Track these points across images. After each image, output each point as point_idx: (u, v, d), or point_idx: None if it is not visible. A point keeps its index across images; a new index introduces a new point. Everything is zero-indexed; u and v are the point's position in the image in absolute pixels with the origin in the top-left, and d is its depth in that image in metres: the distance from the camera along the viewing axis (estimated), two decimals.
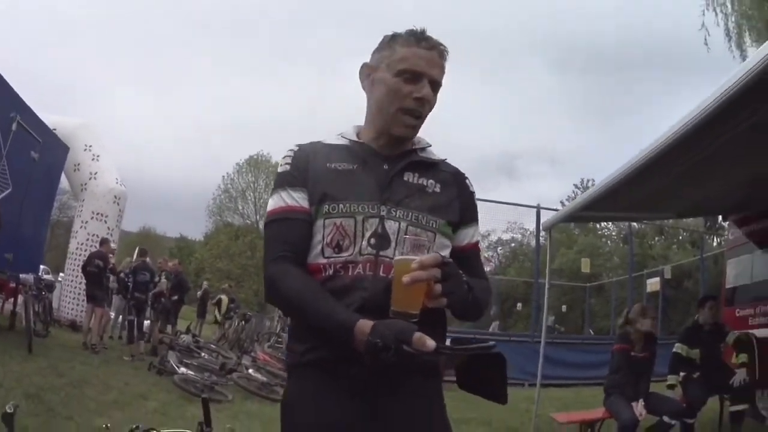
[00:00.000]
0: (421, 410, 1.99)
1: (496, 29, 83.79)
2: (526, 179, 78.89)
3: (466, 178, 2.24)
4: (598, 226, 51.60)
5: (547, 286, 9.11)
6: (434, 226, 2.03)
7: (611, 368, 7.17)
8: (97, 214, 18.11)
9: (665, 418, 6.73)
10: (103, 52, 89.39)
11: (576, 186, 55.80)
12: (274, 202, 2.11)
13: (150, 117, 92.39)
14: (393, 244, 1.96)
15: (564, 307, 36.17)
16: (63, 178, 17.16)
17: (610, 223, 49.16)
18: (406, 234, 1.96)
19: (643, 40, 76.25)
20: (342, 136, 2.18)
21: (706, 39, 14.93)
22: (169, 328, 16.06)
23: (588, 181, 52.92)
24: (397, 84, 2.04)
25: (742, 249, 9.37)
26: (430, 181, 2.11)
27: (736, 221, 9.57)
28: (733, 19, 15.42)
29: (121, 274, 14.78)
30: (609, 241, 51.30)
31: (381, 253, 1.95)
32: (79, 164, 18.00)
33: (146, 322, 14.80)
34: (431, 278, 1.75)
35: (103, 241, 15.23)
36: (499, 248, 55.43)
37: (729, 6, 15.43)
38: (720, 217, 11.11)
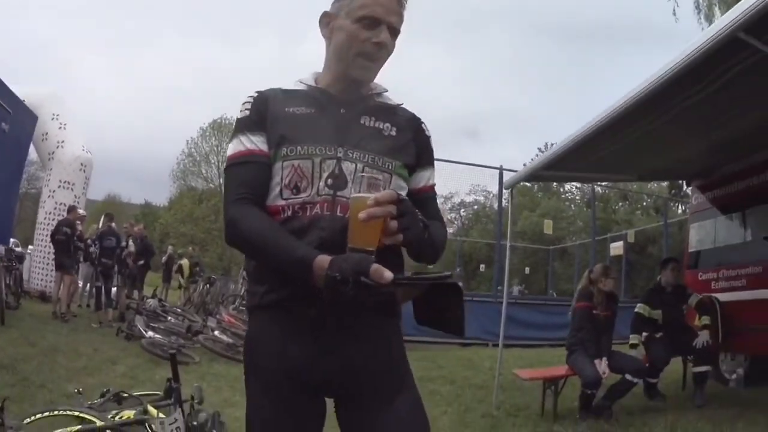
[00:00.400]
0: (380, 348, 2.04)
1: None
2: (491, 143, 79.13)
3: (422, 122, 2.26)
4: (561, 189, 51.90)
5: (508, 245, 9.18)
6: (390, 167, 2.06)
7: (573, 327, 7.32)
8: (65, 182, 17.94)
9: (628, 377, 6.92)
10: (67, 19, 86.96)
11: (540, 150, 55.92)
12: (233, 147, 2.13)
13: (115, 85, 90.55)
14: (350, 185, 1.98)
15: (527, 270, 36.60)
16: (31, 148, 16.97)
17: (574, 187, 49.51)
18: (362, 174, 1.98)
19: (613, 8, 75.82)
20: (300, 82, 2.22)
21: (674, 10, 14.92)
22: (135, 293, 15.91)
23: (552, 145, 52.88)
24: (356, 30, 2.07)
25: (705, 214, 9.48)
26: (386, 124, 2.14)
27: (700, 187, 9.68)
28: None
29: (88, 241, 14.73)
30: (573, 205, 51.64)
31: (338, 193, 1.98)
32: (46, 133, 17.79)
33: (113, 289, 14.75)
34: (386, 214, 1.77)
35: (71, 209, 15.05)
36: (462, 210, 55.26)
37: None
38: (683, 183, 11.21)
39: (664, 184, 34.35)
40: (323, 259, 1.79)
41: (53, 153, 18.10)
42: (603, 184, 22.70)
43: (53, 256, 14.84)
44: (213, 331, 11.38)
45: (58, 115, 18.21)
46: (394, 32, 2.12)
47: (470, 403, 7.77)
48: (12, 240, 16.83)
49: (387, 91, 2.25)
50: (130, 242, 15.44)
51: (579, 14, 75.97)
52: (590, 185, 23.17)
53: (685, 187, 13.65)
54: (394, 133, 2.13)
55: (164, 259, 23.57)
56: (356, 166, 2.00)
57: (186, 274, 21.67)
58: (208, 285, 18.14)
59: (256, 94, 2.19)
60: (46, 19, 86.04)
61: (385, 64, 2.16)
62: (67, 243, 13.76)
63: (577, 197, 51.31)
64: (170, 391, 3.85)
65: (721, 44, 4.67)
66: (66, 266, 13.70)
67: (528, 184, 51.18)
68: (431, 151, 2.25)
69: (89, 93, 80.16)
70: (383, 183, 1.98)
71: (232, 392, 7.06)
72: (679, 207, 29.26)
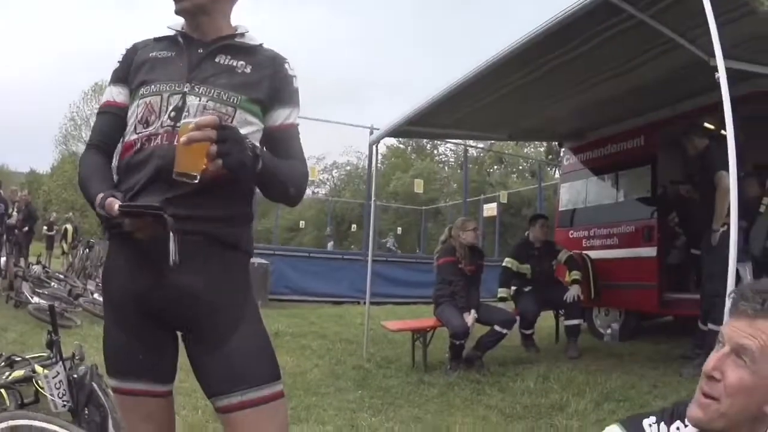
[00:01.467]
0: (218, 280, 2.04)
1: None
2: (369, 106, 78.93)
3: (286, 61, 2.27)
4: (436, 152, 52.49)
5: (373, 203, 9.05)
6: (234, 101, 2.09)
7: (438, 281, 7.31)
8: None
9: (496, 327, 6.99)
10: None
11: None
12: (103, 97, 2.28)
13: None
14: (190, 117, 1.98)
15: (399, 230, 36.90)
16: None
17: (449, 149, 50.12)
18: (202, 105, 2.02)
19: None
20: (169, 28, 2.28)
21: None
22: (21, 261, 15.47)
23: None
24: None
25: (576, 175, 9.72)
26: (241, 62, 2.18)
27: (572, 149, 9.89)
28: None
29: None
30: (447, 167, 52.39)
31: (178, 124, 1.97)
32: None
33: (2, 259, 14.17)
34: (206, 138, 1.79)
35: None
36: (335, 171, 55.63)
37: None
38: (556, 144, 11.41)
39: (541, 149, 35.14)
40: (98, 197, 1.93)
41: None
42: (478, 146, 22.97)
43: None
44: (93, 294, 11.36)
45: None
46: None
47: (341, 356, 7.72)
48: None
49: (248, 31, 2.28)
50: (14, 210, 14.93)
51: None
52: (463, 147, 23.36)
53: (556, 147, 13.92)
54: (248, 70, 2.17)
55: (45, 226, 23.38)
56: (200, 100, 2.04)
57: (69, 240, 21.64)
58: (87, 249, 17.81)
59: (130, 46, 2.30)
60: None
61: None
62: None
63: (452, 159, 51.97)
64: (51, 344, 3.96)
65: (594, 5, 4.69)
66: None
67: (401, 145, 52.11)
68: (293, 90, 2.26)
69: None
70: (226, 118, 2.04)
71: None
72: (556, 172, 30.01)
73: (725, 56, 4.09)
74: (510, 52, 5.46)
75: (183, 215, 1.93)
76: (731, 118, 3.94)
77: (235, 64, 2.17)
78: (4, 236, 14.16)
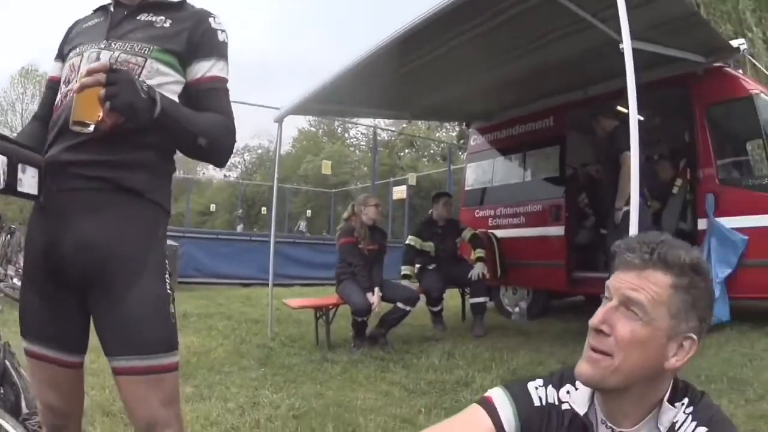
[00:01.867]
0: (116, 232, 1.99)
1: None
2: (281, 90, 78.12)
3: (212, 16, 2.22)
4: (347, 135, 52.40)
5: (275, 185, 8.89)
6: (146, 52, 2.06)
7: (339, 260, 7.31)
8: None
9: (399, 305, 7.01)
10: None
11: None
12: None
13: None
14: None
15: (309, 212, 36.78)
16: None
17: (360, 133, 50.06)
18: (112, 57, 2.02)
19: None
20: None
21: None
22: None
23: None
24: None
25: (483, 155, 9.79)
26: (161, 17, 2.15)
27: (480, 129, 9.95)
28: None
29: None
30: (358, 150, 52.35)
31: None
32: None
33: None
34: (96, 83, 1.75)
35: None
36: (246, 154, 55.16)
37: None
38: (466, 127, 11.48)
39: (453, 133, 35.31)
40: None
41: None
42: (389, 129, 22.94)
43: None
44: (12, 278, 11.40)
45: None
46: None
47: (246, 335, 7.65)
48: None
49: None
50: None
51: None
52: (372, 130, 23.33)
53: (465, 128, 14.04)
54: (167, 25, 2.14)
55: None
56: (113, 54, 2.04)
57: None
58: (8, 236, 17.33)
59: (72, 23, 2.35)
60: None
61: None
62: None
63: (363, 143, 51.96)
64: None
65: None
66: None
67: (312, 128, 51.88)
68: (217, 43, 2.19)
69: None
70: (136, 68, 2.02)
71: None
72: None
73: (636, 38, 4.15)
74: (412, 27, 5.37)
75: (84, 160, 1.94)
76: (635, 97, 3.99)
77: (154, 19, 2.14)
78: None
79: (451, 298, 8.67)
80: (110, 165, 1.96)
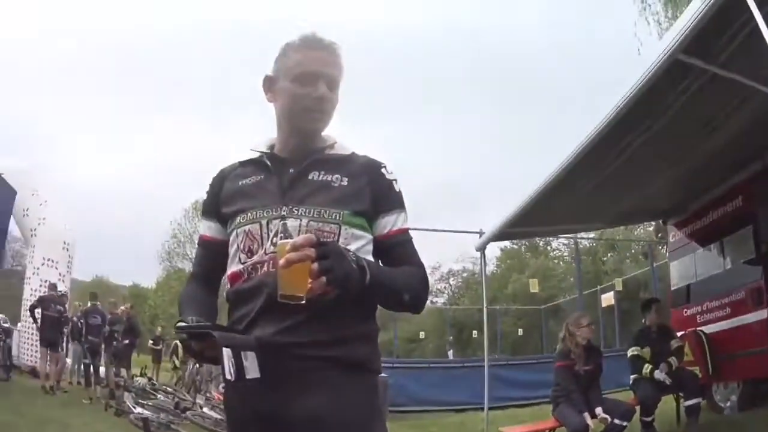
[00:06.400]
0: (337, 402, 1.96)
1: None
2: (475, 210, 78.80)
3: (383, 166, 2.22)
4: (549, 248, 51.77)
5: (485, 307, 8.98)
6: (337, 218, 2.05)
7: (555, 383, 7.23)
8: (48, 260, 17.88)
9: (616, 421, 6.78)
10: (50, 96, 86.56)
11: None
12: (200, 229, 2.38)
13: (100, 165, 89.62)
14: None
15: (520, 331, 36.38)
16: (13, 223, 17.03)
17: (561, 244, 49.22)
18: (304, 227, 2.01)
19: (576, 65, 76.07)
20: (253, 150, 2.26)
21: (639, 50, 14.71)
22: (123, 371, 15.83)
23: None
24: (295, 88, 2.12)
25: (683, 250, 9.52)
26: (336, 175, 2.13)
27: (676, 224, 9.76)
28: (666, 26, 14.71)
29: (74, 318, 14.78)
30: (561, 262, 51.48)
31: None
32: (27, 209, 17.76)
33: (101, 369, 14.76)
34: (304, 258, 1.75)
35: (52, 287, 15.35)
36: (451, 279, 55.56)
37: (662, 13, 15.24)
38: (661, 222, 11.26)
39: (651, 229, 34.20)
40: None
41: (35, 230, 18.11)
42: (588, 236, 22.62)
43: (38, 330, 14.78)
44: (202, 407, 11.42)
45: (37, 191, 18.23)
46: (334, 84, 2.17)
47: None
48: (0, 315, 16.90)
49: (336, 142, 2.24)
50: (117, 326, 15.43)
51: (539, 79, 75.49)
52: (573, 240, 23.14)
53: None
54: (345, 182, 2.12)
55: (151, 340, 23.97)
56: (301, 221, 2.03)
57: (180, 355, 21.47)
58: (197, 365, 18.14)
59: (216, 174, 2.33)
60: (28, 94, 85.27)
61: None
62: (58, 320, 14.01)
63: (565, 254, 51.07)
64: None
65: (662, 70, 4.58)
66: (55, 343, 13.91)
67: (515, 246, 51.52)
68: (396, 194, 2.20)
69: (72, 170, 79.09)
70: (332, 236, 2.02)
71: None
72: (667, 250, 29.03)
73: None
74: (590, 142, 5.53)
75: (305, 342, 1.94)
76: None
77: (330, 178, 2.12)
78: (103, 346, 14.66)
79: (664, 402, 8.35)
80: (334, 343, 1.97)
